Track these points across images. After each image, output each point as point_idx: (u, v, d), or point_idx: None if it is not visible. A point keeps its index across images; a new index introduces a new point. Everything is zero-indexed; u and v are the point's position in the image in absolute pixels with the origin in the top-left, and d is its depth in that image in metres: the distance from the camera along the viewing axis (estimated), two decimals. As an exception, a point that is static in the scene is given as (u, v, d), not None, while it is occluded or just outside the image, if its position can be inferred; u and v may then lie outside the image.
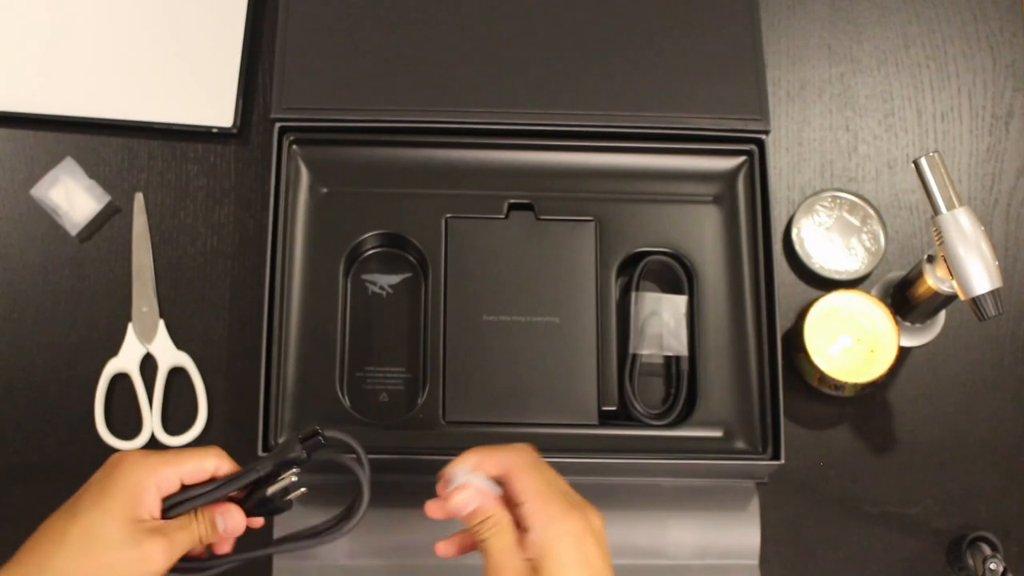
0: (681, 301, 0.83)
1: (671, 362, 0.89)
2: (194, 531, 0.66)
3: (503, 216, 0.90)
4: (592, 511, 0.65)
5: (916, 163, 0.80)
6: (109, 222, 0.95)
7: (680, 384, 0.87)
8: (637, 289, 0.87)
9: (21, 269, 0.94)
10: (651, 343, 0.88)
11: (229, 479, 0.68)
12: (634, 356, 0.87)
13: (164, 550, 0.63)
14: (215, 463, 0.68)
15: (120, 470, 0.65)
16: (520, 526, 0.65)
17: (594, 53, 0.92)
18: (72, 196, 0.94)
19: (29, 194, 0.94)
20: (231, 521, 0.68)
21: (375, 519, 0.85)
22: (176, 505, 0.66)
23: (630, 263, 0.90)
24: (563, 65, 0.92)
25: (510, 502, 0.66)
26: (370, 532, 0.85)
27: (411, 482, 0.82)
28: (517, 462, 0.66)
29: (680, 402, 0.87)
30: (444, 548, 0.70)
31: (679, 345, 0.87)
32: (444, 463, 0.83)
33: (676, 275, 0.90)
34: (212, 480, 0.68)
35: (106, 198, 0.94)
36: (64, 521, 0.63)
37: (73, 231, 0.94)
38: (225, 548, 0.70)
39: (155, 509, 0.65)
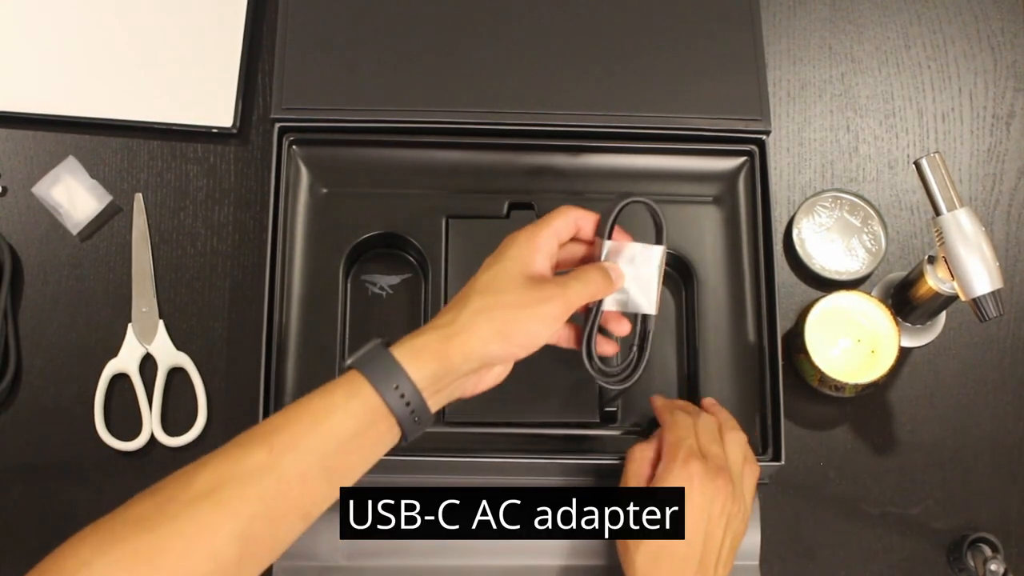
0: (657, 252, 0.76)
1: (682, 363, 0.89)
2: (587, 279, 0.72)
3: (504, 216, 0.90)
4: (721, 473, 0.75)
5: (917, 164, 0.80)
6: (109, 222, 0.95)
7: (643, 344, 0.78)
8: (609, 237, 0.77)
9: (21, 269, 0.93)
10: (611, 298, 0.78)
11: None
12: (596, 307, 0.77)
13: (560, 295, 0.69)
14: (575, 214, 0.74)
15: (509, 243, 0.72)
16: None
17: (595, 53, 0.92)
18: (73, 195, 0.94)
19: (30, 192, 0.94)
20: (617, 270, 0.74)
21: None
22: None
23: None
24: (563, 65, 0.92)
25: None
26: (370, 532, 0.85)
27: (411, 483, 0.82)
28: (670, 421, 0.79)
29: (638, 366, 0.78)
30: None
31: (647, 303, 0.77)
32: (444, 463, 0.84)
33: (674, 275, 0.90)
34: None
35: (108, 198, 0.94)
36: (468, 288, 0.70)
37: (74, 230, 0.94)
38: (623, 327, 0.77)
39: (545, 269, 0.71)
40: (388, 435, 0.66)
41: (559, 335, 0.76)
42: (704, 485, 0.74)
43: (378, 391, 0.64)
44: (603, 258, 0.75)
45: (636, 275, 0.76)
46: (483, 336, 0.67)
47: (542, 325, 0.69)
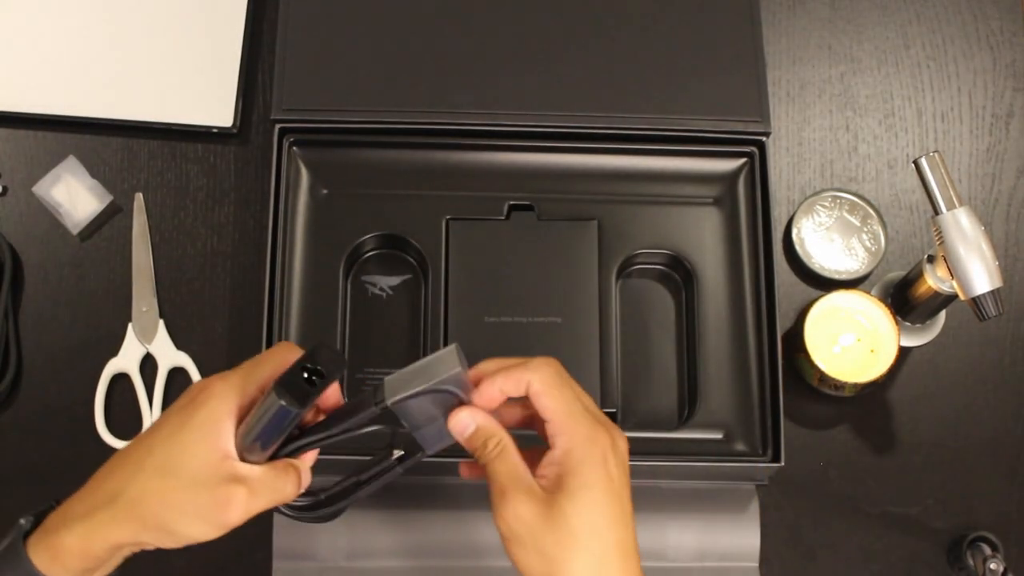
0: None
1: (682, 364, 0.89)
2: (280, 487, 0.60)
3: (504, 217, 0.90)
4: (617, 432, 0.62)
5: (916, 163, 0.80)
6: (109, 222, 0.95)
7: (372, 479, 0.64)
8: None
9: (22, 268, 0.93)
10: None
11: (344, 427, 0.60)
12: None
13: (242, 502, 0.58)
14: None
15: (202, 399, 0.59)
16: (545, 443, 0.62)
17: (595, 55, 0.92)
18: (74, 194, 0.94)
19: (31, 192, 0.94)
20: (307, 477, 0.62)
21: (375, 520, 0.85)
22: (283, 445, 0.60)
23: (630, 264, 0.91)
24: (564, 67, 0.92)
25: (534, 419, 0.63)
26: (370, 533, 0.85)
27: (411, 483, 0.82)
28: (541, 378, 0.61)
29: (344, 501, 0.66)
30: (466, 470, 0.67)
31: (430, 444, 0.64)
32: (444, 464, 0.83)
33: (674, 276, 0.91)
34: (323, 423, 0.61)
35: (108, 198, 0.94)
36: (141, 452, 0.59)
37: (74, 230, 0.94)
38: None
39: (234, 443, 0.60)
40: None
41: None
42: (609, 455, 0.61)
43: None
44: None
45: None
46: (134, 530, 0.58)
47: (211, 530, 0.59)
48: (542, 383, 0.61)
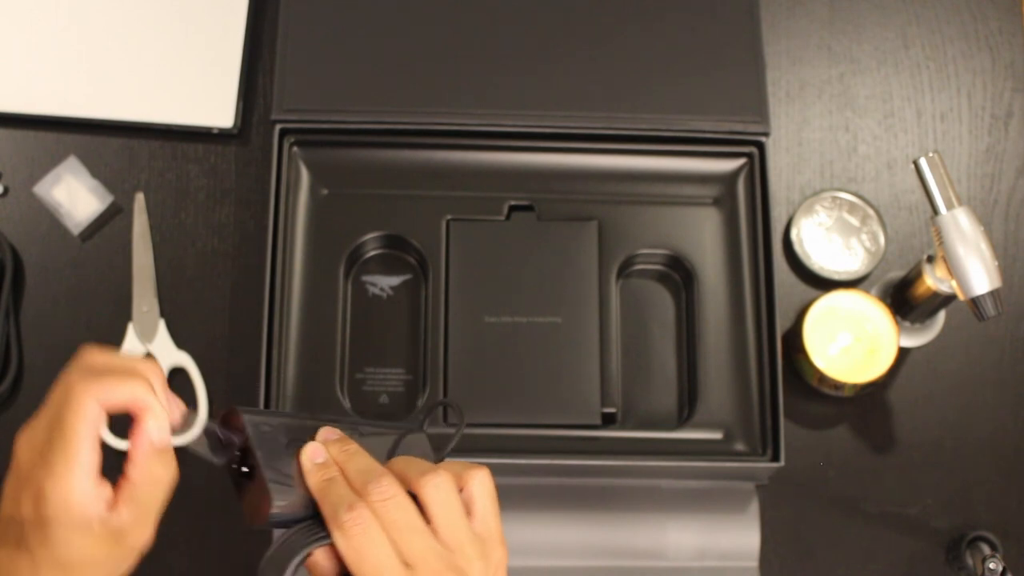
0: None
1: (682, 364, 0.89)
2: (151, 488, 0.56)
3: (504, 218, 0.90)
4: (492, 549, 0.56)
5: (916, 163, 0.80)
6: (110, 223, 0.95)
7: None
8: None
9: (23, 269, 0.94)
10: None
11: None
12: None
13: (140, 528, 0.55)
14: (145, 386, 0.56)
15: (39, 497, 0.53)
16: None
17: (594, 55, 0.92)
18: (75, 195, 0.94)
19: (31, 192, 0.94)
20: (158, 432, 0.56)
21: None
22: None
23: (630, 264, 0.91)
24: (563, 67, 0.92)
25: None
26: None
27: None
28: (344, 523, 0.54)
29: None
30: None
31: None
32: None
33: (674, 276, 0.91)
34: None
35: (109, 198, 0.94)
36: (29, 504, 0.53)
37: (75, 230, 0.94)
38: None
39: (100, 502, 0.54)
40: None
41: None
42: None
43: None
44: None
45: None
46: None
47: (134, 559, 0.55)
48: (343, 544, 0.54)
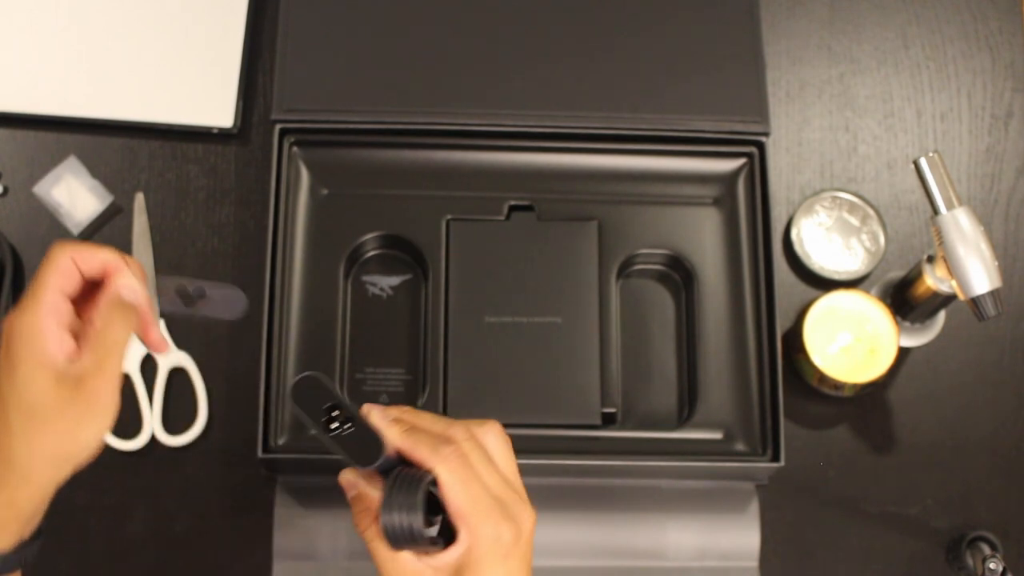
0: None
1: (682, 364, 0.89)
2: (113, 327, 0.59)
3: (504, 218, 0.90)
4: (526, 515, 0.62)
5: (916, 163, 0.80)
6: (110, 222, 0.95)
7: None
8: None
9: (23, 269, 0.94)
10: None
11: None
12: None
13: (99, 377, 0.58)
14: (69, 257, 0.59)
15: (9, 346, 0.58)
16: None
17: (594, 55, 0.93)
18: (75, 195, 0.94)
19: (31, 192, 0.94)
20: (129, 279, 0.60)
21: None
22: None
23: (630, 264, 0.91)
24: (563, 67, 0.92)
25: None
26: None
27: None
28: (448, 470, 0.59)
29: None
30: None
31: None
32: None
33: (674, 276, 0.91)
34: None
35: (109, 198, 0.94)
36: (4, 396, 0.58)
37: (75, 230, 0.94)
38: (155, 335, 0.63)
39: (66, 350, 0.58)
40: None
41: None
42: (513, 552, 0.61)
43: None
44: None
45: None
46: (41, 475, 0.58)
47: (101, 425, 0.59)
48: (448, 477, 0.59)
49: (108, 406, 0.58)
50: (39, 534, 0.61)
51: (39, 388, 0.57)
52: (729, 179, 0.92)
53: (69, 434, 0.58)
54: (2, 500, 0.58)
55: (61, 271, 0.59)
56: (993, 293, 0.78)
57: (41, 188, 0.94)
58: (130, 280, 0.61)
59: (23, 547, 0.59)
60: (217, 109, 0.96)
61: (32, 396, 0.57)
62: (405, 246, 0.90)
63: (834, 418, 0.93)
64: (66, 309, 0.59)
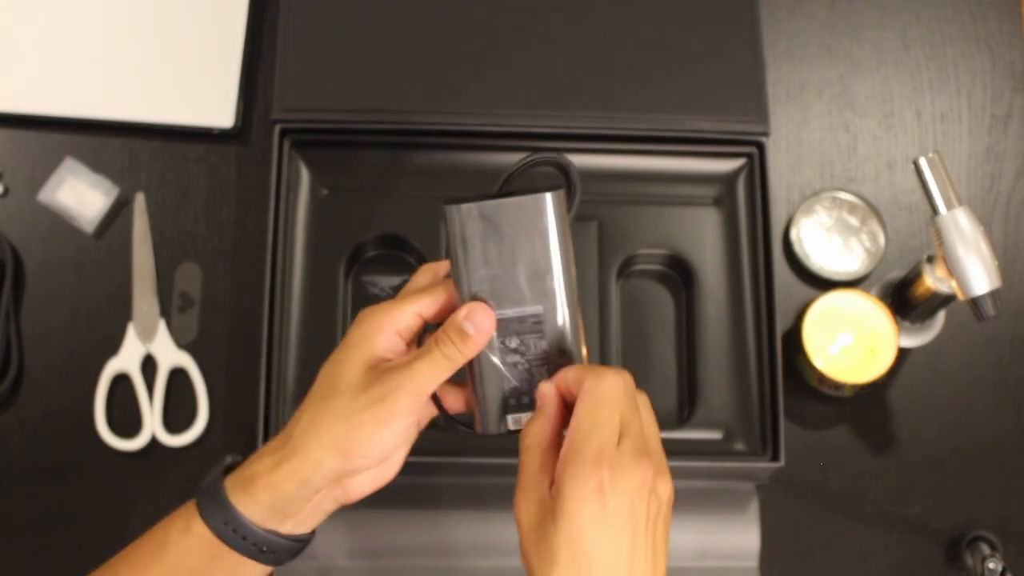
0: (544, 202, 0.58)
1: (681, 364, 0.89)
2: (436, 353, 0.58)
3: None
4: (646, 473, 0.56)
5: (915, 163, 0.80)
6: (118, 218, 0.95)
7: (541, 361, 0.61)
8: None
9: (23, 269, 0.94)
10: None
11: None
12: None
13: (402, 385, 0.58)
14: (444, 293, 0.61)
15: (356, 323, 0.61)
16: None
17: (595, 55, 0.93)
18: (80, 194, 0.94)
19: (32, 192, 0.94)
20: (479, 317, 0.58)
21: (375, 520, 0.86)
22: None
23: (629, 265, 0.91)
24: (564, 67, 0.92)
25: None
26: (370, 532, 0.85)
27: (410, 484, 0.82)
28: (590, 389, 0.57)
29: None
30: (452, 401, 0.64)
31: (535, 295, 0.60)
32: (444, 464, 0.84)
33: (674, 276, 0.91)
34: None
35: (115, 190, 0.95)
36: (312, 388, 0.61)
37: (89, 228, 0.94)
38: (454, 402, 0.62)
39: (392, 351, 0.60)
40: (245, 568, 0.61)
41: (424, 414, 0.62)
42: (619, 498, 0.54)
43: (210, 527, 0.60)
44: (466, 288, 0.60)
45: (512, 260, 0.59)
46: (315, 458, 0.59)
47: (385, 431, 0.58)
48: (586, 389, 0.57)
49: (396, 413, 0.58)
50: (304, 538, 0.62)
51: (350, 367, 0.59)
52: (729, 179, 0.92)
53: (351, 420, 0.58)
54: (269, 462, 0.60)
55: (432, 297, 0.61)
56: (993, 293, 0.78)
57: (45, 195, 0.94)
58: (483, 317, 0.59)
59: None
60: (217, 109, 0.96)
61: (341, 373, 0.59)
62: (405, 246, 0.90)
63: (834, 418, 0.93)
64: (414, 325, 0.61)
